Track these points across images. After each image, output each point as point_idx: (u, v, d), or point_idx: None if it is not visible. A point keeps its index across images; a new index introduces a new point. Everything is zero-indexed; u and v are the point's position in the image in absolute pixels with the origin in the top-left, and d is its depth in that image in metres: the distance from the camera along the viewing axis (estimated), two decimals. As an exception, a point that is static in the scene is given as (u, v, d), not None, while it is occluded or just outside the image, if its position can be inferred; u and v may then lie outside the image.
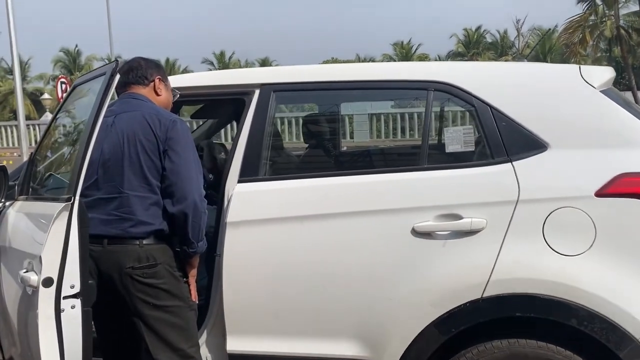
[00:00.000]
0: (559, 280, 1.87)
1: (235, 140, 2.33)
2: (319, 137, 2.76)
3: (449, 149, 2.10)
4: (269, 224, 2.14)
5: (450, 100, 2.17)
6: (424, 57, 45.26)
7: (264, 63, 44.54)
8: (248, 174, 2.22)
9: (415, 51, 45.67)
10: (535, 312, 1.90)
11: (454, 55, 44.62)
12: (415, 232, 1.98)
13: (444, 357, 2.02)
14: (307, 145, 2.75)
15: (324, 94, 2.42)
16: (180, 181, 1.96)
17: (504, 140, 2.01)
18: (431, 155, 2.14)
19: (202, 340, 2.32)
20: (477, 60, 39.99)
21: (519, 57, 40.91)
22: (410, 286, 1.99)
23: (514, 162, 1.97)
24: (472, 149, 2.07)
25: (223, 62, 43.54)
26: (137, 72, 2.14)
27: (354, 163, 2.90)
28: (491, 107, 2.04)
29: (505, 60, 38.33)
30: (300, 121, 3.05)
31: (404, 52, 45.16)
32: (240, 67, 42.42)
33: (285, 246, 2.13)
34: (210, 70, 40.64)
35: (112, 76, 1.80)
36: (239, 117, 2.94)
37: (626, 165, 1.88)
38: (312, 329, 2.14)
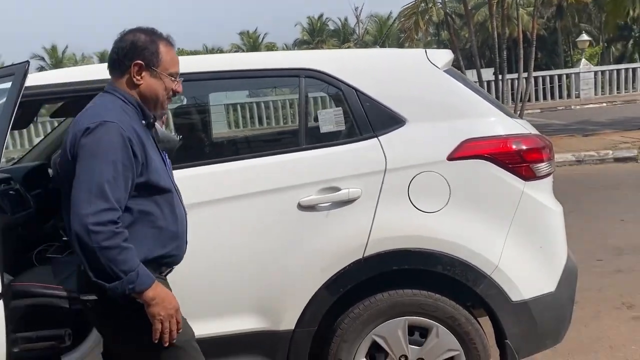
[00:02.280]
0: (425, 234, 2.18)
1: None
2: (200, 126, 2.81)
3: (323, 129, 2.31)
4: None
5: (320, 85, 2.37)
6: (271, 46, 45.85)
7: (103, 56, 41.81)
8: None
9: (262, 40, 46.06)
10: (408, 264, 2.19)
11: (300, 43, 45.78)
12: (301, 207, 2.17)
13: (336, 316, 2.24)
14: (189, 135, 2.79)
15: (202, 84, 2.49)
16: (72, 206, 1.56)
17: (369, 118, 2.26)
18: (309, 136, 2.33)
19: (98, 339, 2.30)
20: (322, 47, 41.51)
21: (360, 43, 43.23)
22: (301, 256, 2.18)
23: (379, 137, 2.23)
24: (343, 128, 2.30)
25: (56, 56, 40.03)
26: (113, 55, 1.71)
27: (240, 149, 3.01)
28: (356, 89, 2.28)
29: (348, 47, 40.30)
30: (180, 112, 3.02)
31: (252, 42, 45.34)
32: (76, 61, 39.39)
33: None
34: (42, 66, 37.16)
35: (24, 77, 1.69)
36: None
37: (469, 132, 2.22)
38: (212, 311, 2.22)
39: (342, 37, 44.93)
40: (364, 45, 41.37)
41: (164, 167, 1.74)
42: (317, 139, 2.32)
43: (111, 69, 1.73)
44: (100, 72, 2.06)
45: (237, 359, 2.23)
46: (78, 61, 39.30)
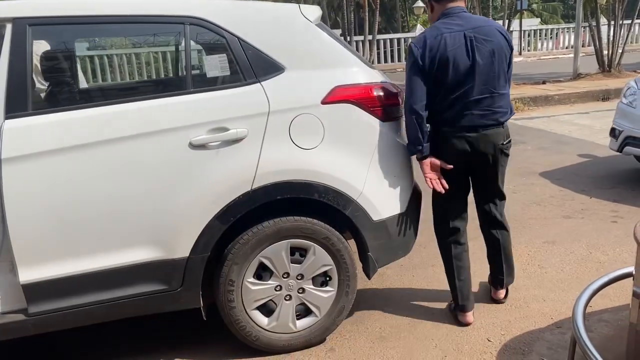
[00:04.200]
0: (304, 167, 2.51)
1: (-9, 77, 2.27)
2: (92, 69, 2.80)
3: (210, 74, 2.51)
4: (49, 155, 2.24)
5: (204, 33, 2.54)
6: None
7: None
8: (15, 110, 2.24)
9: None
10: (290, 193, 2.50)
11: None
12: (192, 145, 2.37)
13: (228, 242, 2.51)
14: (78, 77, 2.77)
15: (87, 28, 2.50)
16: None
17: (252, 65, 2.50)
18: (196, 81, 2.50)
19: None
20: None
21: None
22: (193, 190, 2.39)
23: (262, 82, 2.49)
24: (229, 73, 2.52)
25: None
26: None
27: (131, 92, 3.03)
28: (239, 38, 2.50)
29: None
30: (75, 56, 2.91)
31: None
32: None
33: (70, 174, 2.27)
34: None
35: None
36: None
37: (338, 79, 2.57)
38: (107, 246, 2.35)
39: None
40: None
41: None
42: (205, 83, 2.51)
43: None
44: None
45: (137, 287, 2.40)
46: None
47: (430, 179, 2.72)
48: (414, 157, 2.76)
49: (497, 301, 3.05)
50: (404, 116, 2.72)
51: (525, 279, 3.34)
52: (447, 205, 2.84)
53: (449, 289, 3.00)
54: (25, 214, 2.23)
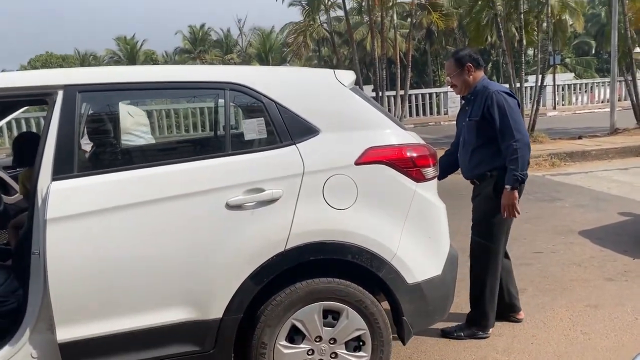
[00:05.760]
0: (337, 228, 2.51)
1: (42, 140, 2.39)
2: (130, 132, 2.92)
3: (247, 137, 2.58)
4: (91, 216, 2.30)
5: (243, 98, 2.64)
6: (150, 54, 44.47)
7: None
8: (62, 172, 2.33)
9: (140, 47, 44.57)
10: (323, 254, 2.50)
11: (181, 52, 44.90)
12: (229, 206, 2.40)
13: (260, 303, 2.50)
14: (120, 140, 2.90)
15: (132, 93, 2.63)
16: None
17: (288, 128, 2.56)
18: (234, 143, 2.58)
19: (25, 339, 2.35)
20: (205, 57, 41.15)
21: (243, 55, 43.36)
22: (229, 251, 2.41)
23: (297, 144, 2.54)
24: (265, 136, 2.58)
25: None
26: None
27: (169, 154, 3.15)
28: (276, 102, 2.57)
29: (231, 58, 40.24)
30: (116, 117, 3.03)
31: (129, 48, 43.69)
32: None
33: (110, 235, 2.32)
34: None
35: None
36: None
37: (372, 141, 2.60)
38: (143, 305, 2.36)
39: (225, 48, 44.80)
40: (248, 57, 41.61)
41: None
42: (242, 146, 2.58)
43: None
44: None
45: (171, 348, 2.39)
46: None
47: (516, 205, 3.22)
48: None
49: (519, 321, 3.54)
50: (517, 149, 3.14)
51: (568, 346, 3.20)
52: (504, 231, 3.39)
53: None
54: (66, 274, 2.28)
